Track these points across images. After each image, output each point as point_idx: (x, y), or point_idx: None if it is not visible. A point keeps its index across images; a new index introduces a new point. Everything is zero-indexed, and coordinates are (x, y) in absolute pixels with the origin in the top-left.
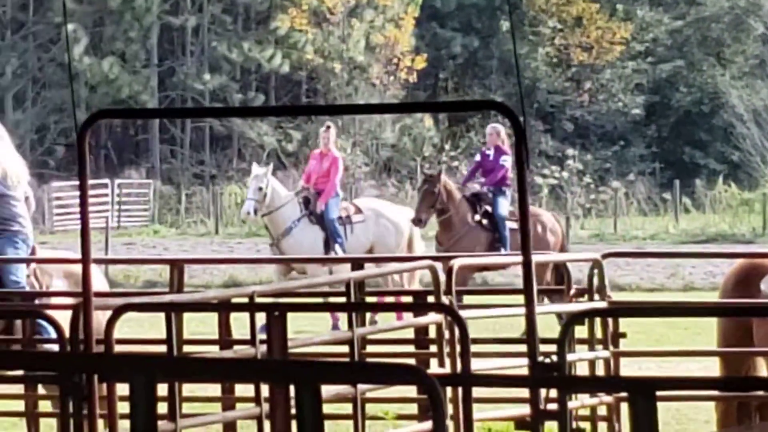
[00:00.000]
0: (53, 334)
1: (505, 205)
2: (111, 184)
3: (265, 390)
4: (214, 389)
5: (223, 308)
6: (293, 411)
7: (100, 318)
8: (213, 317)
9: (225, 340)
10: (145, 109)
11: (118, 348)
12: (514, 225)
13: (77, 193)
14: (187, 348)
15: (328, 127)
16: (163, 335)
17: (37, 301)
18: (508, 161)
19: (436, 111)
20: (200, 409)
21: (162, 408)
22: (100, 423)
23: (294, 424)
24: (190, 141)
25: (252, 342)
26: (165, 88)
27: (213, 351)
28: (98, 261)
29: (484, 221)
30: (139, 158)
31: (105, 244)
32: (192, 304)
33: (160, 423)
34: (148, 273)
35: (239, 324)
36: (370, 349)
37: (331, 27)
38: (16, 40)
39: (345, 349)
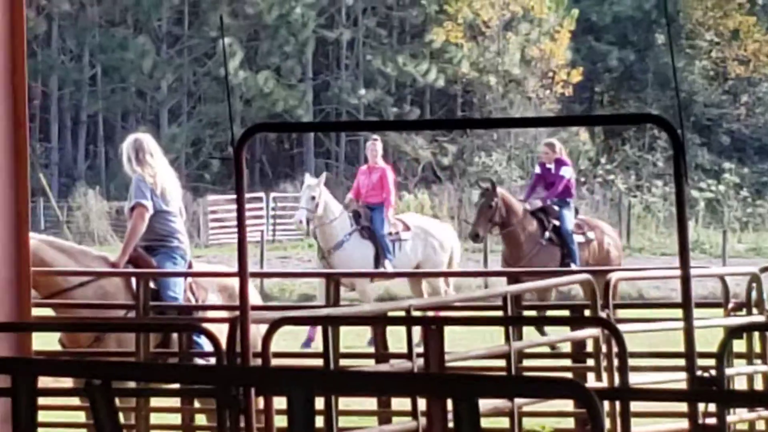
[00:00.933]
0: (209, 348)
1: (571, 218)
2: (266, 197)
3: (422, 404)
4: (371, 403)
5: (380, 322)
6: (450, 425)
7: (254, 331)
8: (368, 331)
9: (381, 353)
10: (301, 123)
11: (275, 361)
12: (581, 239)
13: (232, 206)
14: (343, 362)
15: (375, 140)
16: (319, 349)
17: (193, 315)
18: (568, 172)
19: (592, 124)
20: (357, 422)
21: (318, 421)
22: None
23: None
24: (344, 154)
25: (409, 356)
26: (320, 102)
27: (369, 364)
28: (254, 275)
29: (553, 236)
30: (294, 172)
31: (260, 257)
32: (348, 317)
33: None
34: (303, 287)
35: (395, 338)
36: (527, 363)
37: (486, 40)
38: (172, 55)
39: (499, 363)
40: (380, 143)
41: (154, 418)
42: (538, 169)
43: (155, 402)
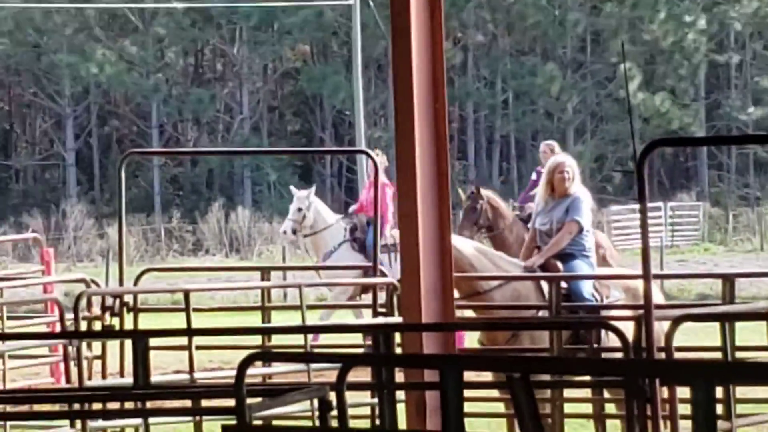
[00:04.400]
0: (616, 343)
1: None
2: (664, 206)
3: None
4: (763, 391)
5: None
6: None
7: (657, 328)
8: (761, 326)
9: None
10: (696, 138)
11: (677, 355)
12: None
13: (633, 215)
14: (739, 354)
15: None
16: (716, 343)
17: (600, 314)
18: None
19: None
20: (752, 409)
21: (718, 409)
22: (662, 423)
23: None
24: (735, 166)
25: None
26: (712, 119)
27: (763, 356)
28: (656, 276)
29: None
30: (689, 183)
31: (660, 261)
32: (744, 314)
33: (717, 422)
34: (699, 287)
35: None
36: None
37: None
38: (576, 79)
39: None
40: (381, 158)
41: (568, 408)
42: (534, 175)
43: (568, 393)
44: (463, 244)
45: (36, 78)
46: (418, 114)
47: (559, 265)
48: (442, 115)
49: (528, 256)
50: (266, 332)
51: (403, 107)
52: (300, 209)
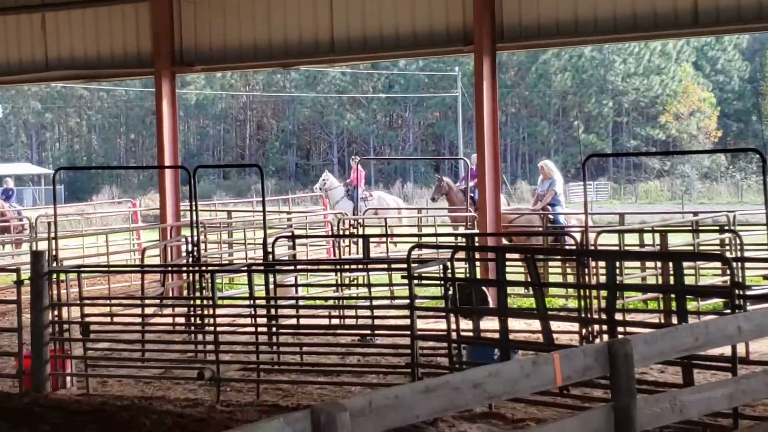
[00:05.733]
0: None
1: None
2: None
3: None
4: None
5: None
6: None
7: (591, 237)
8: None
9: None
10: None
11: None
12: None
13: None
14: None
15: (355, 160)
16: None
17: None
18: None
19: None
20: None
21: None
22: (593, 279)
23: None
24: None
25: None
26: None
27: None
28: (591, 214)
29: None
30: None
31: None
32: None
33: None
34: None
35: None
36: None
37: None
38: None
39: None
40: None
41: (551, 277)
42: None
43: (551, 265)
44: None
45: None
46: (486, 135)
47: (549, 207)
48: (496, 136)
49: (535, 203)
50: None
51: (480, 131)
52: (324, 180)
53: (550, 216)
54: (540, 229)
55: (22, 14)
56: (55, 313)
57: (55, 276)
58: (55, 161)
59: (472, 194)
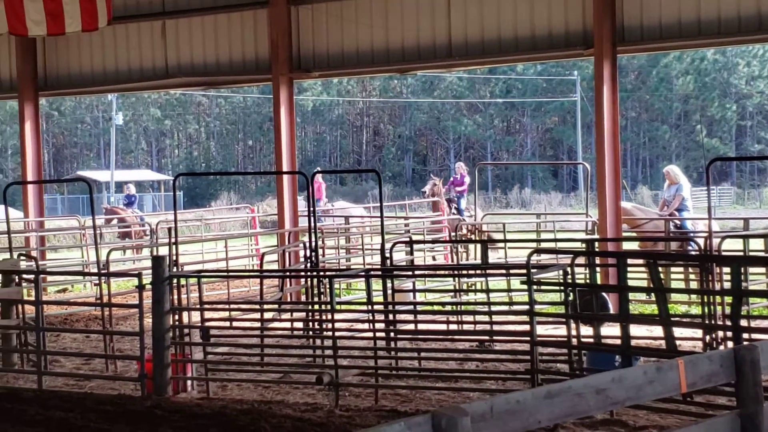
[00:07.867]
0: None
1: (463, 203)
2: None
3: None
4: None
5: None
6: None
7: (714, 242)
8: None
9: None
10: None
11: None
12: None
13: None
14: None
15: (317, 174)
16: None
17: None
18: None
19: None
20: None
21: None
22: (717, 285)
23: None
24: None
25: None
26: None
27: None
28: (716, 219)
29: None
30: None
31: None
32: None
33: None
34: None
35: None
36: None
37: None
38: None
39: None
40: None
41: (673, 283)
42: (458, 176)
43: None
44: (625, 204)
45: None
46: (606, 140)
47: (675, 213)
48: (617, 140)
49: (661, 208)
50: None
51: (600, 136)
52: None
53: (678, 221)
54: (663, 234)
55: (142, 22)
56: (176, 317)
57: (175, 281)
58: (174, 168)
59: (455, 202)
